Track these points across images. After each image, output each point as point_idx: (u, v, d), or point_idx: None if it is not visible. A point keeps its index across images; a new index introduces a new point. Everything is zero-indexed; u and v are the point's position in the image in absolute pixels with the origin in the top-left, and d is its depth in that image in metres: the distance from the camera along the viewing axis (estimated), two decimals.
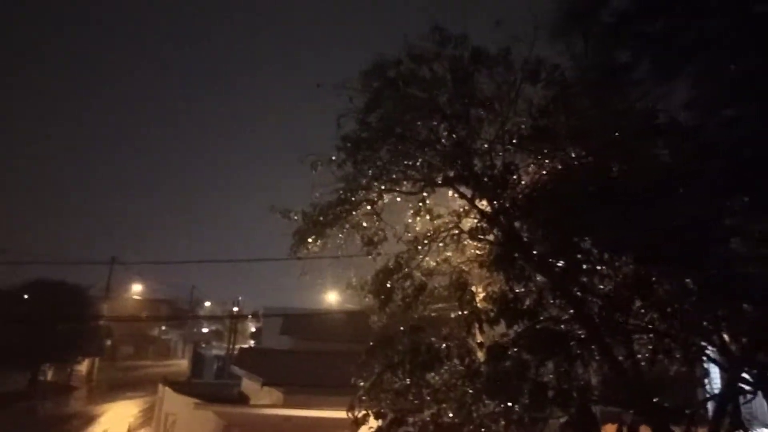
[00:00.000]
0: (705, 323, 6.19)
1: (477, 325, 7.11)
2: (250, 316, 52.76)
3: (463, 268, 7.87)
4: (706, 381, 7.40)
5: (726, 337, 6.17)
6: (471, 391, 6.50)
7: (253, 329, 62.66)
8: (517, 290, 6.46)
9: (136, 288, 64.71)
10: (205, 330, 77.17)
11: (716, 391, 7.11)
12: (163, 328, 76.02)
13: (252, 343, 53.67)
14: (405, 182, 7.81)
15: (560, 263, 6.43)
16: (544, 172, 6.76)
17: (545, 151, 6.81)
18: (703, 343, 6.20)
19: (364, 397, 7.24)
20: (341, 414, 14.65)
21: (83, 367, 48.54)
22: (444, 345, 7.16)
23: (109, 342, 53.20)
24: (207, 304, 76.90)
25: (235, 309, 55.39)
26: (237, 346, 43.08)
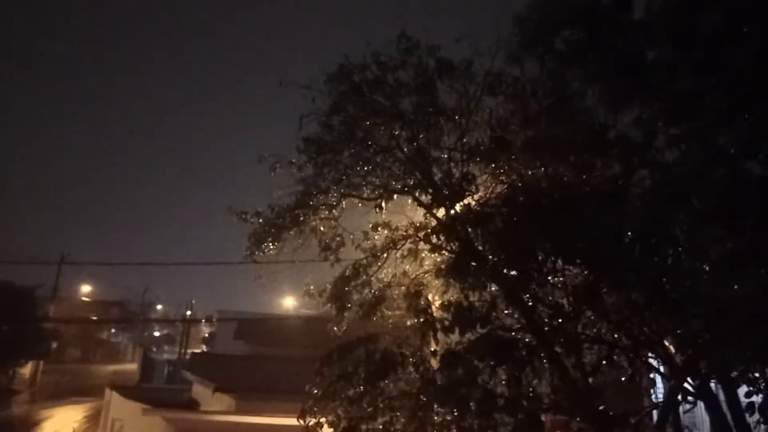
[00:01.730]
0: (649, 333, 6.39)
1: (432, 333, 7.15)
2: (203, 320, 51.83)
3: (420, 278, 7.92)
4: (651, 390, 7.62)
5: (670, 347, 6.39)
6: (424, 398, 6.52)
7: (206, 333, 61.58)
8: (471, 299, 6.53)
9: (86, 289, 62.86)
10: (156, 333, 75.41)
11: (660, 400, 7.34)
12: (113, 330, 73.95)
13: (205, 347, 52.76)
14: (364, 188, 7.82)
15: (513, 272, 6.54)
16: (502, 183, 6.89)
17: (502, 161, 6.94)
18: (648, 353, 6.40)
19: (316, 405, 7.17)
20: (294, 421, 14.53)
21: (26, 370, 46.73)
22: (398, 353, 7.17)
23: (55, 344, 51.31)
24: (159, 307, 75.13)
25: (188, 312, 54.30)
26: (189, 351, 42.27)
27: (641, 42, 6.34)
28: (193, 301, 57.70)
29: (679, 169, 5.23)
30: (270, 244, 7.89)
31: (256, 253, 7.91)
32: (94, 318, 59.55)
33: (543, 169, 6.38)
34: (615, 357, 6.29)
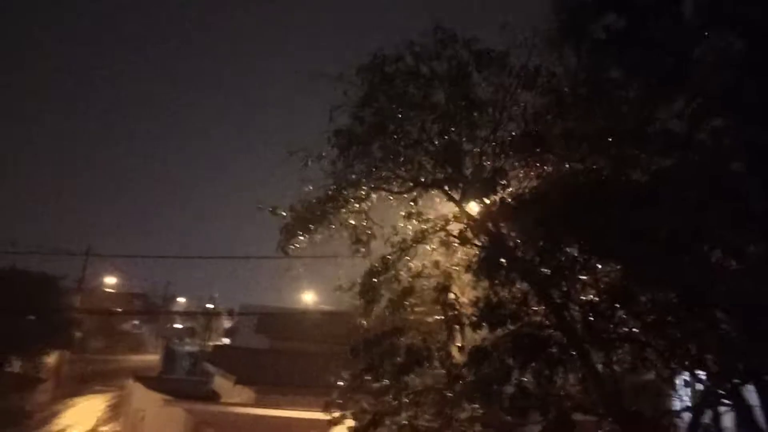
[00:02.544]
0: (682, 335, 6.24)
1: (458, 329, 7.08)
2: (225, 313, 52.26)
3: (449, 272, 7.83)
4: (681, 392, 7.45)
5: (704, 349, 6.22)
6: (450, 394, 6.46)
7: (227, 326, 62.05)
8: (500, 295, 6.44)
9: (110, 281, 63.73)
10: (178, 326, 76.19)
11: (688, 403, 7.17)
12: (136, 322, 74.90)
13: (226, 340, 53.16)
14: (394, 181, 7.77)
15: (544, 270, 6.43)
16: (534, 177, 6.78)
17: (536, 156, 6.83)
18: (682, 355, 6.24)
19: (341, 398, 7.16)
20: (314, 415, 14.56)
21: (52, 359, 47.54)
22: (424, 347, 7.11)
23: (79, 335, 52.13)
24: (181, 299, 75.89)
25: (210, 306, 54.78)
26: (210, 343, 42.66)
27: (687, 34, 6.15)
28: (216, 295, 58.29)
29: (725, 165, 5.06)
30: (301, 237, 7.87)
31: (288, 246, 7.90)
32: (118, 309, 60.35)
33: (580, 163, 6.25)
34: (647, 357, 6.14)
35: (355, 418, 7.10)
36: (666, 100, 6.42)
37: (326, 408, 7.25)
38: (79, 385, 42.88)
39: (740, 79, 5.39)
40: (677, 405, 6.76)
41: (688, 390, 7.02)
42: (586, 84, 6.96)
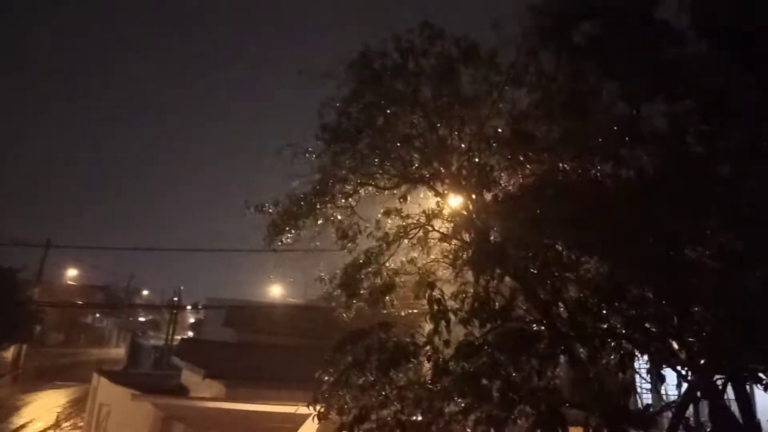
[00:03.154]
0: (664, 331, 6.39)
1: (445, 324, 7.12)
2: (191, 307, 51.56)
3: (431, 267, 7.89)
4: (661, 388, 7.65)
5: (682, 345, 6.40)
6: (438, 388, 6.49)
7: (192, 320, 61.29)
8: (489, 291, 6.49)
9: (72, 273, 62.20)
10: (141, 319, 74.88)
11: (671, 399, 7.37)
12: (97, 315, 73.31)
13: (191, 334, 52.47)
14: (381, 177, 7.77)
15: (533, 267, 6.51)
16: (523, 174, 6.86)
17: (523, 153, 6.90)
18: (665, 351, 6.40)
19: (327, 392, 7.11)
20: (286, 408, 14.48)
21: (9, 353, 46.24)
22: (411, 342, 7.13)
23: (38, 328, 50.78)
24: (145, 292, 74.61)
25: (176, 299, 54.00)
26: (176, 337, 42.06)
27: (667, 37, 6.29)
28: (182, 288, 57.47)
29: (714, 166, 5.21)
30: (288, 232, 7.83)
31: (275, 241, 7.85)
32: (80, 302, 58.99)
33: (570, 161, 6.34)
34: (632, 353, 6.27)
35: (339, 413, 7.06)
36: (644, 102, 6.56)
37: (312, 403, 7.19)
38: (38, 379, 41.77)
39: (725, 83, 5.54)
40: (660, 400, 6.94)
41: (671, 386, 7.23)
42: (563, 89, 7.07)
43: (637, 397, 7.56)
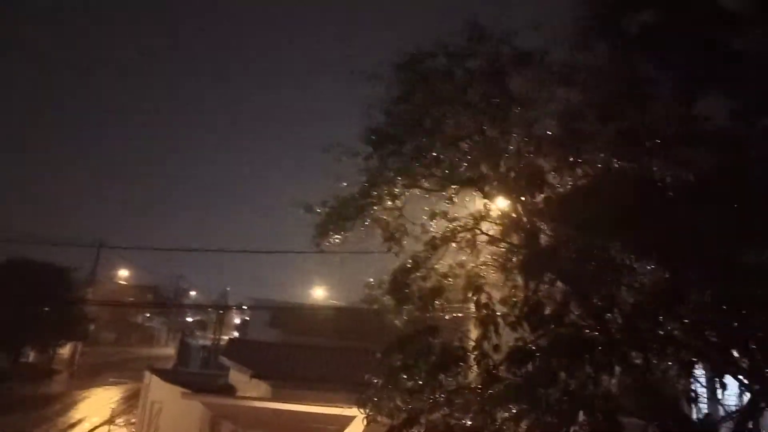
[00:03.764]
0: (725, 338, 6.15)
1: (493, 329, 7.03)
2: (236, 307, 52.49)
3: (479, 271, 7.81)
4: (720, 396, 7.37)
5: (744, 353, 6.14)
6: (488, 394, 6.41)
7: (237, 321, 62.40)
8: (540, 295, 6.38)
9: (122, 273, 64.23)
10: (189, 319, 76.68)
11: (728, 407, 7.08)
12: (147, 315, 75.46)
13: (236, 334, 53.43)
14: (428, 179, 7.73)
15: (585, 272, 6.35)
16: (578, 176, 6.70)
17: (575, 154, 6.75)
18: (727, 358, 6.15)
19: (376, 395, 7.13)
20: (332, 410, 14.56)
21: (66, 350, 48.02)
22: (460, 346, 7.07)
23: (92, 327, 52.62)
24: (192, 293, 76.41)
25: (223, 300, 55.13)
26: (224, 337, 42.87)
27: (728, 28, 6.02)
28: (228, 289, 58.64)
29: None
30: (335, 233, 7.88)
31: (323, 241, 7.92)
32: (132, 301, 60.83)
33: (628, 162, 6.16)
34: (690, 361, 6.05)
35: (389, 416, 7.06)
36: (702, 96, 6.30)
37: (360, 405, 7.21)
38: (92, 376, 43.26)
39: None
40: (720, 411, 6.67)
41: (731, 396, 6.94)
42: (618, 80, 6.84)
43: (695, 406, 7.27)
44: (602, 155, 6.35)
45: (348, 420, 12.98)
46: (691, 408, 7.32)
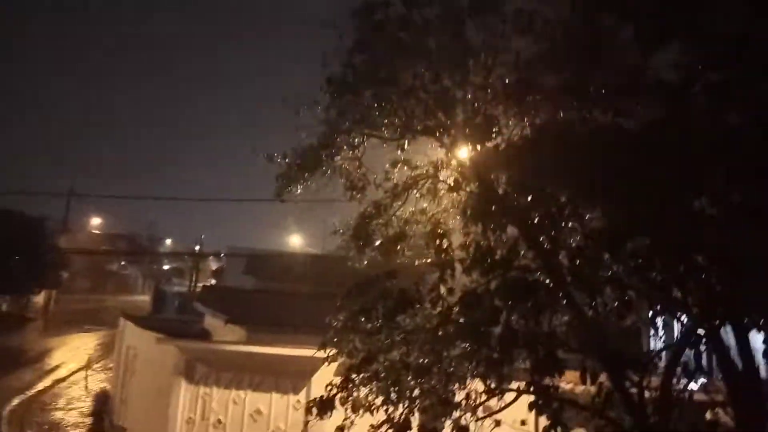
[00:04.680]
0: (665, 279, 6.49)
1: (450, 272, 7.31)
2: (214, 255, 52.66)
3: (439, 218, 8.03)
4: (659, 332, 7.82)
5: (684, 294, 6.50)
6: (441, 333, 6.75)
7: (213, 268, 62.67)
8: (491, 240, 6.64)
9: (95, 222, 63.65)
10: (165, 267, 76.69)
11: (668, 343, 7.55)
12: (122, 263, 75.24)
13: (213, 281, 53.75)
14: (386, 129, 7.83)
15: (535, 216, 6.61)
16: (527, 126, 6.87)
17: (529, 104, 6.89)
18: (663, 298, 6.52)
19: (336, 337, 7.45)
20: (303, 352, 15.00)
21: (40, 298, 47.98)
22: (416, 290, 7.36)
23: (66, 274, 52.44)
24: (168, 241, 76.17)
25: (198, 247, 55.15)
26: (199, 284, 43.16)
27: None
28: (203, 236, 58.60)
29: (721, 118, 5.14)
30: (297, 183, 7.99)
31: (285, 193, 8.04)
32: (106, 249, 60.55)
33: (574, 112, 6.33)
34: (630, 300, 6.40)
35: (348, 356, 7.41)
36: (658, 49, 6.42)
37: (321, 347, 7.54)
38: (67, 324, 43.41)
39: (747, 27, 5.40)
40: (658, 345, 7.12)
41: (668, 331, 7.40)
42: (578, 33, 6.93)
43: (636, 341, 7.74)
44: (548, 106, 6.51)
45: (322, 362, 13.42)
46: (636, 347, 7.81)
